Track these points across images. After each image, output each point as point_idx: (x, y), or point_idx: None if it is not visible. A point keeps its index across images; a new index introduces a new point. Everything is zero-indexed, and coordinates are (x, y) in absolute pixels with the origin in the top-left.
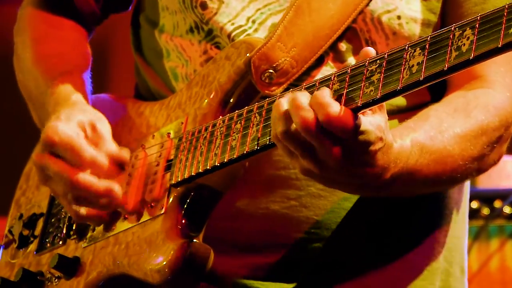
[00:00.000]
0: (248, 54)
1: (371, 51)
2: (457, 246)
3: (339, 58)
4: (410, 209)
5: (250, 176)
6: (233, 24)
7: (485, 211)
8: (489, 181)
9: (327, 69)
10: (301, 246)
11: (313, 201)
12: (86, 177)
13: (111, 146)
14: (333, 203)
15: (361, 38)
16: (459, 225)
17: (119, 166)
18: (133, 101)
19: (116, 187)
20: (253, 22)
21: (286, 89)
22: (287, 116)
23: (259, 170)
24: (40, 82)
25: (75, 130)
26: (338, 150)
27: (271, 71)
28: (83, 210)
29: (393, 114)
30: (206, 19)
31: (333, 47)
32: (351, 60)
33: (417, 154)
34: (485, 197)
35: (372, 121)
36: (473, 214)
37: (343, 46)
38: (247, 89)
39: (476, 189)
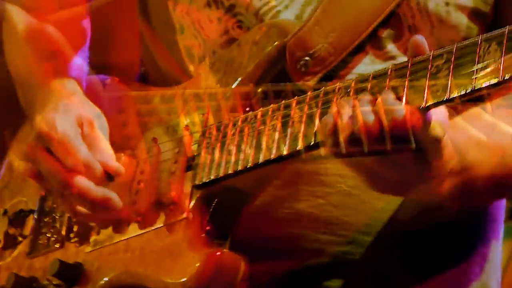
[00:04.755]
0: (278, 41)
1: (420, 40)
2: (495, 256)
3: (377, 45)
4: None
5: (273, 171)
6: None
7: None
8: None
9: (366, 58)
10: (328, 250)
11: (342, 200)
12: (83, 182)
13: (106, 152)
14: (364, 203)
15: (404, 24)
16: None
17: (108, 176)
18: (139, 86)
19: (114, 197)
20: None
21: (322, 79)
22: (349, 125)
23: (282, 164)
24: (30, 60)
25: (74, 127)
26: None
27: (307, 58)
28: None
29: None
30: None
31: (373, 33)
32: (391, 48)
33: (475, 150)
34: None
35: (437, 113)
36: None
37: (383, 31)
38: (279, 78)
39: None
